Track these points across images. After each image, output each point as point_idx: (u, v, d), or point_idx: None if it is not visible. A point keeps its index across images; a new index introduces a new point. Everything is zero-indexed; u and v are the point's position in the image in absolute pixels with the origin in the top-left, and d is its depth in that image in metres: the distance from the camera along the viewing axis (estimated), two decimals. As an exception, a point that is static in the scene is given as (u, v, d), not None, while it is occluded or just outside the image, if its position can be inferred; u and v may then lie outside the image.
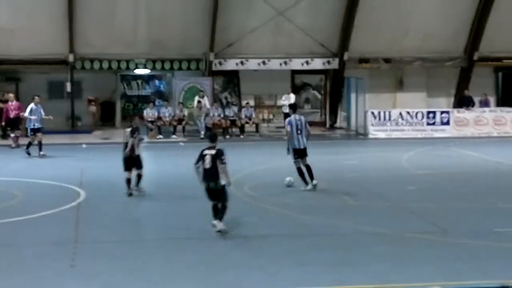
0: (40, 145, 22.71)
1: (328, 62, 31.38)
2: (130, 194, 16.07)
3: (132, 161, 16.27)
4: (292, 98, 28.89)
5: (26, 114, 23.09)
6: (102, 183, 18.15)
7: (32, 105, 23.06)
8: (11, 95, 26.54)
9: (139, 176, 16.48)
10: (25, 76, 31.48)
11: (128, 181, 16.23)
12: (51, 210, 14.60)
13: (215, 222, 12.43)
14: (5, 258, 11.31)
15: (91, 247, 12.01)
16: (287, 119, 17.73)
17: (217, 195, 12.57)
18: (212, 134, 13.57)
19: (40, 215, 14.23)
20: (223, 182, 12.54)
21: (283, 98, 29.01)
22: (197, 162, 12.62)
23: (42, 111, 23.12)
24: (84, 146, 25.97)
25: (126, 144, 16.45)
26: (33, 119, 22.90)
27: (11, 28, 29.14)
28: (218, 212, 12.53)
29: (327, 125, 32.08)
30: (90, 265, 10.91)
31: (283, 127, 29.36)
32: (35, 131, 22.86)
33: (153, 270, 10.65)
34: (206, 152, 12.59)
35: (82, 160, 22.37)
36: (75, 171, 19.69)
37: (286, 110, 28.49)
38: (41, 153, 22.52)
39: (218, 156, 12.47)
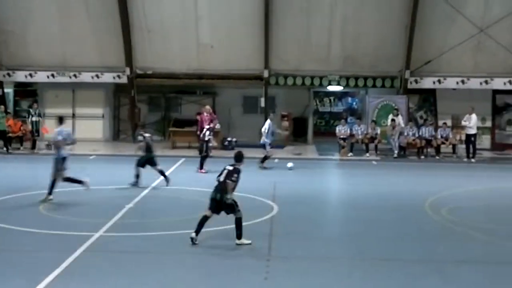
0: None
1: (534, 81, 29.43)
2: None
3: None
4: (473, 119, 27.25)
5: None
6: (294, 197, 18.01)
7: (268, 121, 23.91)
8: (207, 107, 27.43)
9: None
10: (221, 90, 32.44)
11: None
12: (246, 222, 14.58)
13: (193, 235, 12.50)
14: (198, 264, 11.40)
15: (283, 262, 11.78)
16: None
17: (220, 208, 12.65)
18: (237, 153, 13.39)
19: (233, 226, 14.23)
20: (229, 197, 12.56)
21: (465, 119, 27.47)
22: (219, 175, 12.79)
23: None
24: (276, 161, 26.11)
25: None
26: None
27: (211, 44, 30.14)
28: (236, 229, 12.63)
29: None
30: (283, 281, 10.66)
31: (481, 149, 28.28)
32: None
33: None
34: (227, 167, 12.86)
35: (275, 174, 22.45)
36: (268, 185, 19.74)
37: (470, 131, 27.10)
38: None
39: (231, 172, 12.64)
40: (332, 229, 14.99)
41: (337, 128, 28.69)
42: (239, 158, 13.18)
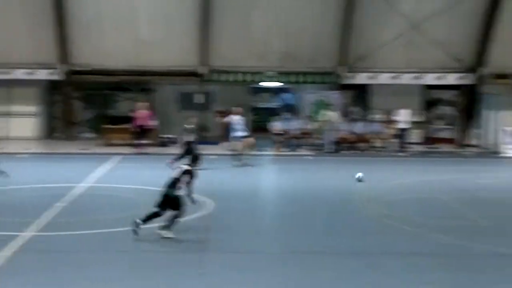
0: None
1: (463, 77, 30.22)
2: None
3: None
4: (405, 114, 27.89)
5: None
6: (229, 193, 18.17)
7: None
8: (142, 104, 27.45)
9: None
10: (158, 87, 32.33)
11: None
12: (182, 218, 14.65)
13: (140, 225, 12.77)
14: (131, 263, 11.40)
15: (218, 256, 11.92)
16: None
17: (168, 204, 12.91)
18: (194, 155, 14.35)
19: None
20: (179, 193, 12.96)
21: (397, 113, 28.08)
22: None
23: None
24: (211, 157, 26.17)
25: None
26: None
27: (149, 41, 30.02)
28: (168, 221, 12.83)
29: (460, 143, 30.83)
30: (218, 275, 10.80)
31: (410, 143, 28.92)
32: None
33: (280, 283, 10.40)
34: (182, 165, 13.45)
35: (210, 171, 22.50)
36: (204, 181, 19.76)
37: (401, 126, 27.73)
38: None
39: (188, 173, 13.09)
40: (267, 223, 15.19)
41: (272, 124, 28.95)
42: (195, 159, 13.80)
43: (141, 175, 21.36)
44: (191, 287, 10.18)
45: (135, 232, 12.78)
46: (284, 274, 10.93)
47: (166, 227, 12.88)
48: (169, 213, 12.96)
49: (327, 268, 11.28)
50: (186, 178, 13.12)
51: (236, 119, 24.54)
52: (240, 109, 25.16)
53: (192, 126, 23.74)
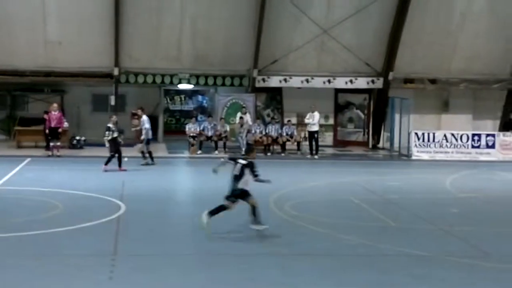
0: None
1: (373, 82, 31.10)
2: None
3: None
4: (316, 116, 28.56)
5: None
6: (142, 196, 18.19)
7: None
8: (55, 105, 27.07)
9: None
10: (70, 88, 31.89)
11: None
12: (92, 222, 14.65)
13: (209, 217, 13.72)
14: (44, 267, 11.34)
15: (129, 260, 11.97)
16: None
17: (237, 197, 13.92)
18: (249, 146, 15.14)
19: (80, 226, 14.29)
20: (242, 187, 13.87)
21: (308, 116, 28.71)
22: (230, 160, 14.36)
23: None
24: (125, 159, 26.08)
25: None
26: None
27: (59, 41, 29.56)
28: (255, 215, 13.81)
29: (370, 145, 31.74)
30: (128, 278, 10.85)
31: (322, 145, 29.56)
32: None
33: (191, 285, 10.56)
34: (240, 160, 14.07)
35: (123, 173, 22.46)
36: (116, 184, 19.78)
37: (312, 129, 28.36)
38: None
39: (249, 166, 13.86)
40: (178, 226, 15.28)
41: (187, 126, 29.03)
42: (249, 149, 15.35)
43: (52, 178, 21.14)
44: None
45: (207, 222, 13.58)
46: (192, 275, 11.07)
47: (257, 222, 13.74)
48: (249, 209, 13.79)
49: (236, 268, 11.52)
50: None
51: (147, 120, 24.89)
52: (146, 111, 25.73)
53: (115, 124, 23.49)
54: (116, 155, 22.93)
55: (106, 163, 22.58)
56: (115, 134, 23.07)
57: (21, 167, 23.10)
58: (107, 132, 22.95)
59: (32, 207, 16.41)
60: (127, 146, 26.30)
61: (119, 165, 22.90)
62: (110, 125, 23.16)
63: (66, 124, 27.52)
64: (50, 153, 26.27)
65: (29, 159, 24.96)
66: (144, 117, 25.04)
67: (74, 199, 17.65)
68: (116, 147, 23.01)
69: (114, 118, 23.69)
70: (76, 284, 10.53)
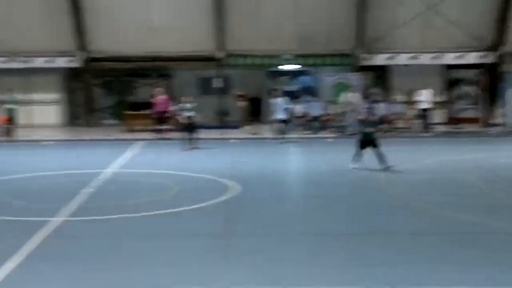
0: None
1: (484, 56, 29.96)
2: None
3: None
4: (426, 94, 27.65)
5: None
6: (252, 177, 18.16)
7: None
8: (159, 90, 27.53)
9: None
10: (176, 72, 32.34)
11: None
12: (205, 203, 14.71)
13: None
14: (159, 248, 11.43)
15: (243, 240, 11.90)
16: None
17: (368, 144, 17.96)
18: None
19: (193, 207, 14.37)
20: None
21: (418, 94, 27.88)
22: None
23: None
24: (231, 141, 26.25)
25: None
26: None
27: (164, 27, 30.00)
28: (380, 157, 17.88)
29: (483, 122, 30.61)
30: (243, 259, 10.78)
31: (433, 123, 28.79)
32: None
33: (300, 265, 10.40)
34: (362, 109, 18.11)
35: (232, 154, 22.57)
36: (226, 165, 19.87)
37: (423, 106, 27.55)
38: None
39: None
40: (291, 206, 15.13)
41: (293, 107, 28.87)
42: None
43: (162, 160, 21.46)
44: (218, 272, 10.18)
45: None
46: (302, 257, 10.91)
47: (384, 163, 17.53)
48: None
49: (349, 248, 11.27)
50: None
51: (279, 101, 25.18)
52: (279, 92, 26.25)
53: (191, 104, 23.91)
54: (191, 134, 23.58)
55: (188, 146, 23.30)
56: (190, 113, 23.62)
57: (133, 151, 23.61)
58: (183, 112, 23.71)
59: (146, 189, 16.65)
60: (232, 128, 26.46)
61: (190, 144, 23.36)
62: (188, 105, 23.65)
63: (174, 108, 27.90)
64: (159, 136, 26.77)
65: (140, 142, 25.48)
66: (278, 100, 25.36)
67: (186, 181, 17.81)
68: (189, 126, 23.49)
69: (189, 98, 24.13)
70: (192, 264, 10.53)
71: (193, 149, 23.34)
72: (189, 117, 23.70)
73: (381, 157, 18.29)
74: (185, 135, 23.86)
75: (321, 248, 11.33)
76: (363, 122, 18.68)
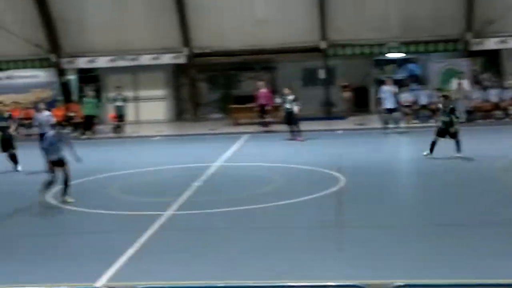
0: None
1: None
2: None
3: None
4: None
5: None
6: (360, 168, 17.80)
7: None
8: (260, 83, 27.44)
9: None
10: (280, 64, 32.24)
11: None
12: (313, 195, 14.51)
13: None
14: (270, 240, 11.34)
15: (354, 231, 11.64)
16: None
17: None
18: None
19: (302, 199, 14.21)
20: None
21: None
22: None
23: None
24: (339, 132, 25.88)
25: None
26: None
27: (267, 20, 29.93)
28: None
29: None
30: (356, 250, 10.52)
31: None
32: None
33: (415, 256, 10.03)
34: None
35: (339, 146, 22.24)
36: (332, 157, 19.56)
37: None
38: None
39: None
40: (400, 197, 14.79)
41: (400, 96, 28.14)
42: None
43: (268, 153, 21.40)
44: (330, 262, 9.96)
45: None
46: (421, 248, 10.52)
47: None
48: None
49: (463, 240, 10.79)
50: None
51: (387, 90, 24.67)
52: (390, 80, 25.47)
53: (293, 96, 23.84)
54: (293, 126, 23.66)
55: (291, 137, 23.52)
56: (288, 106, 23.62)
57: (239, 144, 23.67)
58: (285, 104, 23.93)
59: (254, 182, 16.63)
60: (338, 119, 26.07)
61: (292, 136, 23.50)
62: (289, 97, 23.68)
63: (277, 100, 27.78)
64: (263, 129, 26.73)
65: (245, 135, 25.53)
66: (385, 87, 24.91)
67: (293, 173, 17.68)
68: (291, 118, 23.60)
69: (290, 90, 24.13)
70: (305, 255, 10.38)
71: (297, 141, 23.15)
72: (290, 109, 23.52)
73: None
74: (289, 127, 23.72)
75: (436, 239, 10.92)
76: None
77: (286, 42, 30.12)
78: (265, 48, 30.48)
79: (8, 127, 19.09)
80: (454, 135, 18.18)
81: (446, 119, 18.15)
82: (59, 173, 14.50)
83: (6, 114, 19.66)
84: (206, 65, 31.77)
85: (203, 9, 30.11)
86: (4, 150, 19.00)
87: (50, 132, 15.10)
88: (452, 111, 18.27)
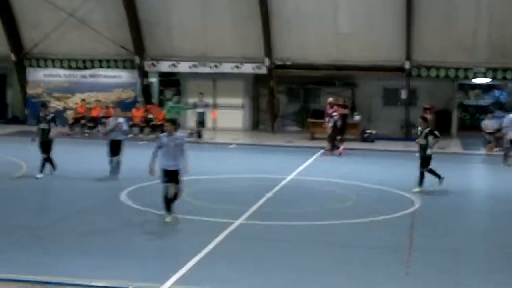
0: None
1: None
2: None
3: None
4: None
5: None
6: (436, 191, 17.36)
7: None
8: (330, 99, 26.31)
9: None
10: (361, 81, 31.89)
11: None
12: (385, 216, 14.25)
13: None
14: (337, 257, 11.20)
15: (425, 256, 11.34)
16: None
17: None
18: None
19: (373, 219, 13.97)
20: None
21: None
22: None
23: None
24: (417, 154, 25.30)
25: None
26: None
27: (351, 35, 29.63)
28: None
29: None
30: (424, 275, 10.24)
31: None
32: None
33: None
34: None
35: (415, 167, 21.74)
36: (407, 178, 19.14)
37: None
38: None
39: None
40: (476, 223, 14.43)
41: (483, 122, 27.40)
42: None
43: (342, 169, 21.17)
44: (397, 286, 9.70)
45: None
46: (487, 275, 10.14)
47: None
48: None
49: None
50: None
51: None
52: None
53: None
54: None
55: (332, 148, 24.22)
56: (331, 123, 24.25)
57: (314, 158, 23.47)
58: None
59: (326, 197, 16.48)
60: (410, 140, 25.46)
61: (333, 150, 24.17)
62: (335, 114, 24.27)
63: (357, 118, 27.43)
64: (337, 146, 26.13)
65: (321, 150, 25.31)
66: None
67: (366, 191, 17.40)
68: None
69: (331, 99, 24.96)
70: (370, 276, 10.20)
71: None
72: (334, 124, 24.05)
73: None
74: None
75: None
76: None
77: (370, 60, 29.74)
78: (347, 64, 30.18)
79: (49, 130, 18.31)
80: None
81: None
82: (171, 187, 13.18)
83: (49, 117, 18.86)
84: (286, 77, 31.72)
85: (287, 21, 30.06)
86: (43, 152, 18.57)
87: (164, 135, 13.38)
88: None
